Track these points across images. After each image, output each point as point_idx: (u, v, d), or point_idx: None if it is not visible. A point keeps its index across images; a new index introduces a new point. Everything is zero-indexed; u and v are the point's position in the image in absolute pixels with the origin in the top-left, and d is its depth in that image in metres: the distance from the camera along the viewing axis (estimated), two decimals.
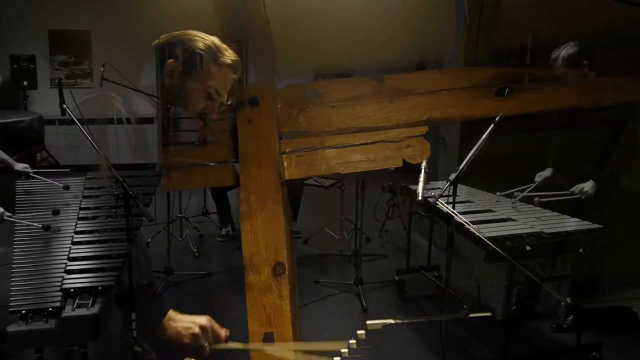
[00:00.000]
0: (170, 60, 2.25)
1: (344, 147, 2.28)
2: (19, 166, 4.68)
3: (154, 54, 2.32)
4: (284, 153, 2.25)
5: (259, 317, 2.16)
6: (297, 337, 2.21)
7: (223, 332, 2.23)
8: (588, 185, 4.93)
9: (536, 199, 4.93)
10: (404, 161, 2.31)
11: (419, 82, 2.34)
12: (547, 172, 5.28)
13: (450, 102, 2.32)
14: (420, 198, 4.06)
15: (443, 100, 2.31)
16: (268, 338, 2.12)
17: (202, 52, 2.24)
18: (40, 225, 3.99)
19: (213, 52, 2.26)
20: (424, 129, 2.29)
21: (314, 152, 2.27)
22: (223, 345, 2.26)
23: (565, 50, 4.81)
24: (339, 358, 1.91)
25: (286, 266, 2.12)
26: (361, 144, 2.28)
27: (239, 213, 2.29)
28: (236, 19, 2.38)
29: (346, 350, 1.89)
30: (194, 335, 2.17)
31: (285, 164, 2.24)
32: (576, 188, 4.95)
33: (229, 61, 2.29)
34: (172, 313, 2.28)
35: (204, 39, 2.27)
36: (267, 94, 2.19)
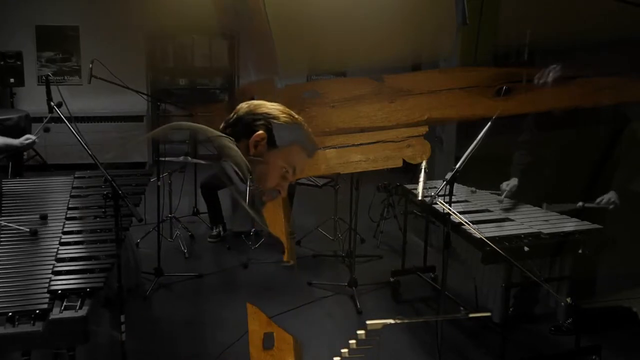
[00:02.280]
0: (261, 132, 2.16)
1: (344, 147, 2.29)
2: (19, 140, 4.66)
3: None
4: None
5: (259, 317, 2.17)
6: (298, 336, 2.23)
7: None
8: (613, 196, 4.86)
9: (580, 204, 4.85)
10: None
11: (419, 82, 2.35)
12: (513, 181, 5.22)
13: (450, 102, 2.33)
14: (420, 198, 4.07)
15: (443, 100, 2.32)
16: (268, 338, 2.13)
17: (289, 129, 2.20)
18: (27, 230, 3.99)
19: (300, 133, 2.22)
20: (424, 129, 2.30)
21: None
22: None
23: (552, 75, 4.80)
24: (339, 358, 1.91)
25: (286, 253, 2.14)
26: (361, 144, 2.29)
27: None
28: (235, 16, 2.38)
29: (346, 350, 1.90)
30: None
31: None
32: (601, 199, 4.87)
33: (312, 148, 2.25)
34: None
35: (293, 117, 2.23)
36: (267, 94, 2.20)
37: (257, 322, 2.15)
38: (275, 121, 2.18)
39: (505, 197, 5.12)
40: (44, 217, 4.28)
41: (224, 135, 2.20)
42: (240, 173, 2.17)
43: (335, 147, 2.28)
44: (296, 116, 2.23)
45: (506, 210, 4.98)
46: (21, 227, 4.02)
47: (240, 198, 2.24)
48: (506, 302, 4.48)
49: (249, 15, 2.37)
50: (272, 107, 2.22)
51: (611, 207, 4.80)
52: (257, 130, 2.16)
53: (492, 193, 5.37)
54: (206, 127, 2.25)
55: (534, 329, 5.37)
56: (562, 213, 4.82)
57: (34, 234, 3.99)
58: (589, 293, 4.88)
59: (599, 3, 4.14)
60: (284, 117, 2.19)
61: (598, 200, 4.82)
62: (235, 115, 2.25)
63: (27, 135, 4.72)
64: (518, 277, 4.46)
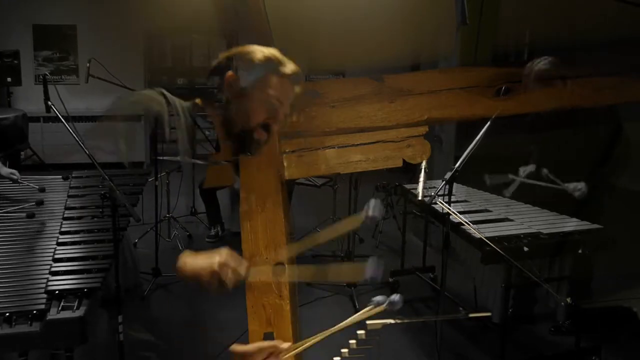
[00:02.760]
0: (230, 72, 2.22)
1: (344, 147, 2.29)
2: (5, 171, 4.65)
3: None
4: (284, 153, 2.27)
5: (259, 317, 2.17)
6: (297, 336, 2.22)
7: (243, 266, 2.15)
8: (583, 185, 4.91)
9: (521, 170, 4.87)
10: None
11: (419, 82, 2.35)
12: (531, 167, 5.25)
13: (450, 102, 2.33)
14: (420, 198, 4.07)
15: (443, 100, 2.33)
16: (268, 338, 2.13)
17: (261, 63, 2.22)
18: (24, 214, 4.00)
19: (272, 63, 2.24)
20: (423, 129, 2.31)
21: (314, 152, 2.28)
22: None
23: (537, 66, 4.80)
24: (338, 358, 1.91)
25: (286, 266, 2.14)
26: (361, 144, 2.29)
27: (240, 213, 2.30)
28: (235, 16, 2.39)
29: (346, 350, 1.90)
30: (213, 273, 2.09)
31: (285, 164, 2.26)
32: (571, 185, 4.92)
33: (289, 71, 2.25)
34: (186, 256, 2.22)
35: (263, 51, 2.25)
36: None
37: (257, 322, 2.15)
38: (246, 58, 2.24)
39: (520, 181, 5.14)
40: (39, 203, 4.29)
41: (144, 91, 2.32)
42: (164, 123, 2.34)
43: (335, 147, 2.28)
44: (269, 50, 2.27)
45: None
46: (17, 213, 4.05)
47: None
48: (506, 303, 4.48)
49: (249, 15, 2.37)
50: (245, 48, 2.27)
51: (577, 194, 4.83)
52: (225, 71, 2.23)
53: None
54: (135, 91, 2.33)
55: (533, 330, 5.37)
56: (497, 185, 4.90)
57: (30, 216, 4.00)
58: (589, 293, 4.88)
59: (599, 3, 4.14)
60: (256, 54, 2.24)
61: (567, 184, 4.87)
62: (217, 63, 2.32)
63: (14, 172, 4.73)
64: (518, 278, 4.45)
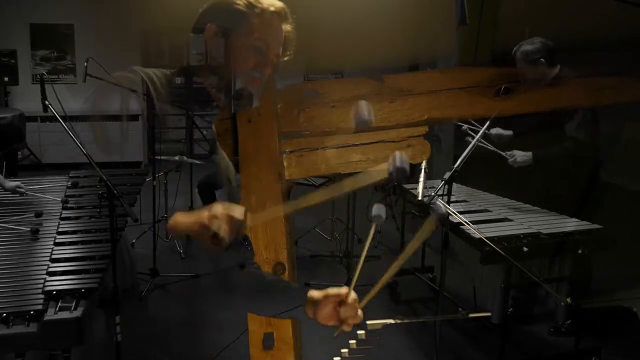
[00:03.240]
0: (208, 25, 2.16)
1: (344, 147, 2.29)
2: (10, 185, 4.61)
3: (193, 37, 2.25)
4: (284, 153, 2.26)
5: (259, 317, 2.17)
6: (298, 336, 2.22)
7: (239, 212, 2.01)
8: (520, 155, 4.97)
9: (464, 127, 4.91)
10: None
11: (419, 82, 2.35)
12: (509, 131, 5.26)
13: (450, 102, 2.33)
14: (420, 198, 4.07)
15: (443, 100, 2.32)
16: (268, 338, 2.13)
17: (238, 8, 2.14)
18: (28, 229, 3.99)
19: (251, 5, 2.15)
20: (424, 129, 2.31)
21: (314, 152, 2.28)
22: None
23: (523, 47, 4.83)
24: (339, 358, 1.91)
25: (286, 266, 2.14)
26: (361, 144, 2.29)
27: None
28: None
29: (346, 350, 1.90)
30: (203, 226, 2.02)
31: (285, 164, 2.25)
32: (511, 154, 5.01)
33: (271, 9, 2.17)
34: (178, 215, 2.13)
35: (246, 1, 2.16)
36: (267, 93, 2.19)
37: (257, 322, 2.15)
38: (224, 8, 2.17)
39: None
40: (38, 215, 4.28)
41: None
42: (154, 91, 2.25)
43: (335, 147, 2.28)
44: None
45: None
46: (21, 227, 4.03)
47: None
48: (505, 303, 4.48)
49: None
50: None
51: (514, 164, 4.90)
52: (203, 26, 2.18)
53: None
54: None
55: (533, 330, 5.37)
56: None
57: (34, 233, 3.99)
58: (589, 293, 4.88)
59: (599, 3, 4.14)
60: (236, 2, 2.16)
61: (509, 152, 4.96)
62: (195, 22, 2.24)
63: (19, 185, 4.68)
64: (517, 278, 4.45)
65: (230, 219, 1.97)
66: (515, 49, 4.88)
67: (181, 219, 2.07)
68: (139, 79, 2.28)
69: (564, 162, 4.89)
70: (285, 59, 2.26)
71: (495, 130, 5.16)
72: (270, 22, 2.18)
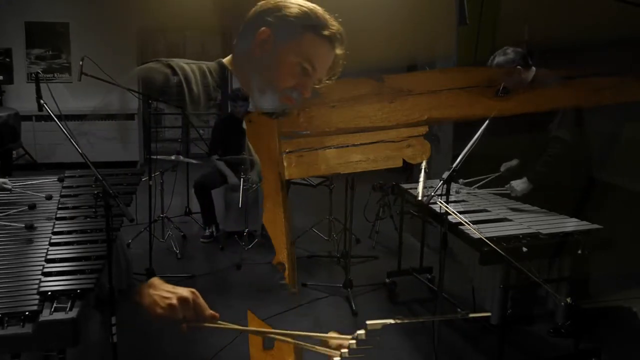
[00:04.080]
0: (264, 29, 2.06)
1: (344, 147, 2.30)
2: None
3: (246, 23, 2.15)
4: (284, 153, 2.26)
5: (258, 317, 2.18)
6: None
7: (208, 312, 2.09)
8: (518, 184, 5.07)
9: (460, 180, 5.08)
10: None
11: (419, 82, 2.35)
12: (514, 162, 5.38)
13: (450, 102, 2.33)
14: (420, 198, 4.07)
15: (443, 100, 2.33)
16: (268, 338, 2.13)
17: (297, 20, 2.06)
18: (23, 225, 3.98)
19: (311, 21, 2.07)
20: (423, 129, 2.31)
21: (314, 152, 2.28)
22: (203, 323, 2.17)
23: (496, 59, 4.97)
24: (339, 358, 1.91)
25: (286, 266, 2.14)
26: (361, 144, 2.29)
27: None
28: (235, 13, 2.37)
29: (346, 350, 1.90)
30: (170, 306, 2.05)
31: (285, 164, 2.26)
32: (503, 166, 5.15)
33: (327, 33, 2.08)
34: (154, 280, 2.14)
35: (302, 6, 2.08)
36: None
37: (257, 323, 2.16)
38: (279, 14, 2.06)
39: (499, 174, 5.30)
40: (32, 207, 4.27)
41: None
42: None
43: (335, 147, 2.28)
44: (307, 4, 2.09)
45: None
46: (15, 224, 4.02)
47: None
48: (504, 304, 4.48)
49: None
50: (279, 1, 2.09)
51: (512, 195, 5.00)
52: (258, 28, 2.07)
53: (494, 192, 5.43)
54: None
55: (532, 331, 5.37)
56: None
57: (29, 228, 3.98)
58: (588, 294, 4.89)
59: (599, 3, 4.15)
60: (291, 8, 2.06)
61: (501, 167, 5.08)
62: (248, 20, 2.14)
63: (5, 181, 4.66)
64: (516, 278, 4.45)
65: (198, 314, 2.10)
66: (489, 62, 5.00)
67: (156, 283, 2.20)
68: (166, 72, 2.21)
69: (555, 166, 4.93)
70: (327, 82, 2.18)
71: (504, 167, 5.33)
72: (323, 45, 2.11)
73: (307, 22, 2.05)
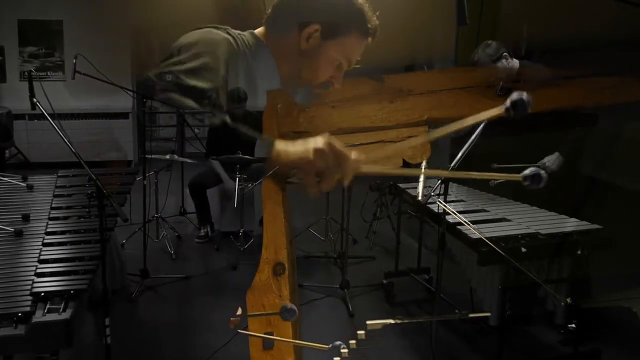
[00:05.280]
0: (315, 26, 2.07)
1: (344, 147, 2.31)
2: None
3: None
4: None
5: (258, 317, 2.18)
6: (298, 337, 2.23)
7: (353, 155, 1.86)
8: (552, 158, 5.03)
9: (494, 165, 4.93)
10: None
11: (419, 82, 2.36)
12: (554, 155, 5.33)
13: (450, 102, 2.34)
14: (420, 199, 4.07)
15: (443, 100, 2.34)
16: (268, 339, 2.14)
17: (347, 18, 2.09)
18: (12, 230, 3.97)
19: (359, 20, 2.11)
20: (424, 129, 2.32)
21: None
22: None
23: (482, 52, 4.98)
24: (338, 358, 1.92)
25: (286, 266, 2.15)
26: (361, 144, 2.30)
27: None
28: (235, 14, 2.38)
29: (346, 350, 1.90)
30: (308, 162, 1.82)
31: None
32: (542, 163, 5.08)
33: (370, 31, 2.14)
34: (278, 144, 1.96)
35: (354, 3, 2.10)
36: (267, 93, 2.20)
37: (257, 322, 2.16)
38: (330, 10, 2.09)
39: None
40: (26, 218, 4.26)
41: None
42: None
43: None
44: (360, 2, 2.10)
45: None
46: (5, 227, 4.01)
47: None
48: (503, 305, 4.48)
49: (250, 15, 2.37)
50: None
51: (548, 171, 4.90)
52: (308, 21, 2.08)
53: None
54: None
55: (531, 332, 5.37)
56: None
57: (18, 234, 3.97)
58: (588, 294, 4.89)
59: (599, 3, 4.15)
60: (343, 5, 2.09)
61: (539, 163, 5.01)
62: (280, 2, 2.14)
63: None
64: (515, 279, 4.45)
65: (339, 157, 1.83)
66: (474, 58, 5.01)
67: (291, 148, 1.89)
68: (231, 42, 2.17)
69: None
70: (351, 67, 2.23)
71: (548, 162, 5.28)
72: (363, 42, 2.17)
73: (355, 22, 2.10)
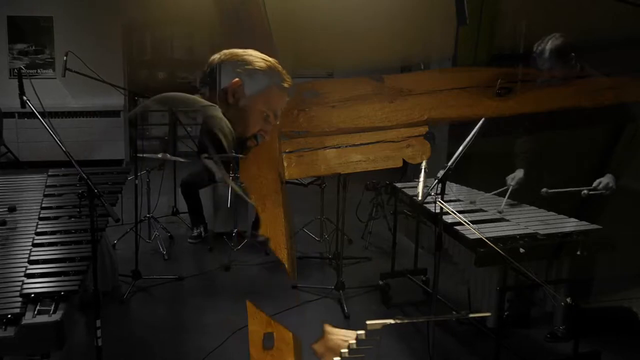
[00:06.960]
0: (237, 80, 2.26)
1: (344, 147, 2.33)
2: None
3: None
4: (284, 153, 2.30)
5: (259, 317, 2.19)
6: (298, 337, 2.25)
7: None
8: (610, 179, 4.83)
9: (584, 191, 4.80)
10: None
11: (419, 82, 2.38)
12: (519, 173, 5.23)
13: (450, 102, 2.36)
14: (420, 199, 4.07)
15: (443, 100, 2.36)
16: (268, 338, 2.15)
17: (265, 74, 2.28)
18: None
19: (276, 75, 2.31)
20: (423, 129, 2.34)
21: (314, 152, 2.32)
22: None
23: (552, 42, 4.69)
24: (338, 358, 1.92)
25: (286, 266, 2.16)
26: (361, 144, 2.32)
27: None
28: (236, 21, 2.40)
29: (346, 350, 1.91)
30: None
31: (285, 164, 2.29)
32: (598, 183, 4.82)
33: (287, 85, 2.31)
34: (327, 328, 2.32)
35: (267, 61, 2.30)
36: None
37: (257, 322, 2.17)
38: (249, 67, 2.26)
39: (511, 190, 5.14)
40: (12, 210, 4.26)
41: (212, 104, 2.28)
42: (226, 144, 2.25)
43: (335, 147, 2.31)
44: (270, 59, 2.30)
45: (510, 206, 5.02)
46: None
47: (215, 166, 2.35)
48: (501, 306, 4.48)
49: (250, 17, 2.40)
50: (244, 54, 2.30)
51: (607, 192, 4.78)
52: (233, 79, 2.26)
53: (494, 194, 5.36)
54: (194, 97, 2.34)
55: (529, 334, 5.37)
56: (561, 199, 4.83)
57: (2, 224, 3.97)
58: (588, 295, 4.89)
59: (600, 3, 4.16)
60: (258, 62, 2.27)
61: (595, 184, 4.80)
62: (209, 68, 2.33)
63: None
64: (513, 280, 4.46)
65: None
66: (539, 47, 4.73)
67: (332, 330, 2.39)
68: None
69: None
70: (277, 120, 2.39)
71: (511, 180, 5.20)
72: (283, 96, 2.33)
73: (272, 76, 2.29)
